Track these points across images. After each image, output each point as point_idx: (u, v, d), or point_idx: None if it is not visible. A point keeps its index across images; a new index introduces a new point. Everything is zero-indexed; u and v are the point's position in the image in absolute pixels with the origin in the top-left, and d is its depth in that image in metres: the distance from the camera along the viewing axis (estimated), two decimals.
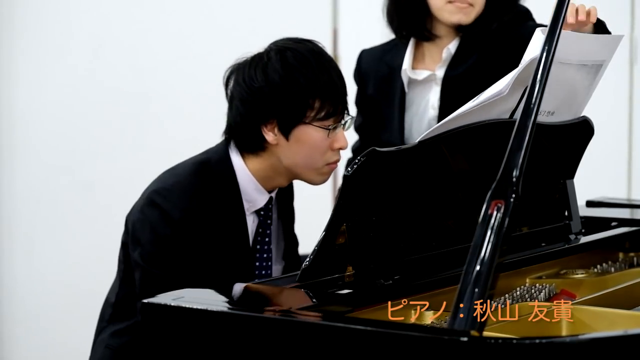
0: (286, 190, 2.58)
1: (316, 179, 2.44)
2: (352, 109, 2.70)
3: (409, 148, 2.15)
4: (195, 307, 1.92)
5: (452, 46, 3.03)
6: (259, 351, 1.85)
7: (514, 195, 1.78)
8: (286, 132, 2.37)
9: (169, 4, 4.48)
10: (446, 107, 2.95)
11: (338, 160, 2.43)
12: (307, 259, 2.11)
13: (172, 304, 1.94)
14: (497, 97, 2.19)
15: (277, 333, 1.84)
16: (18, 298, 4.46)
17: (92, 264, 4.33)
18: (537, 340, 1.67)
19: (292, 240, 2.61)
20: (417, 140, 2.17)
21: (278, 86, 2.35)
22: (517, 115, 1.91)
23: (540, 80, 1.94)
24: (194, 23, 4.44)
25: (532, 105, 1.90)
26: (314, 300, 2.02)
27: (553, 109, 2.37)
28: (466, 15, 2.96)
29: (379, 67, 3.15)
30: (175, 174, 2.43)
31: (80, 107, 4.41)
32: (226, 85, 2.43)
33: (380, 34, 4.48)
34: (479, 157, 2.27)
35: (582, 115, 2.47)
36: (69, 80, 4.40)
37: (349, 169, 2.07)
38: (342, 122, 2.40)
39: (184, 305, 1.94)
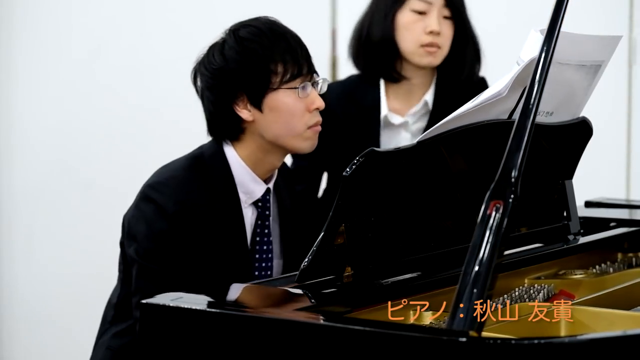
0: (287, 189, 2.58)
1: (303, 145, 2.44)
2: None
3: (407, 148, 2.15)
4: (194, 307, 1.92)
5: (429, 98, 3.16)
6: (258, 352, 1.85)
7: (512, 196, 1.78)
8: (258, 104, 2.39)
9: (168, 4, 4.48)
10: None
11: (319, 122, 2.44)
12: (306, 260, 2.11)
13: (171, 305, 1.94)
14: (496, 98, 2.19)
15: (276, 333, 1.84)
16: (18, 297, 4.46)
17: (91, 263, 4.33)
18: (536, 341, 1.67)
19: (293, 238, 2.59)
20: (415, 141, 2.17)
21: (237, 61, 2.38)
22: (516, 116, 1.91)
23: (539, 81, 1.94)
24: (193, 23, 4.44)
25: (530, 106, 1.90)
26: (313, 300, 2.02)
27: (552, 110, 2.37)
28: (435, 57, 3.11)
29: (347, 105, 3.17)
30: (170, 169, 2.43)
31: (79, 107, 4.41)
32: (194, 83, 2.46)
33: None
34: (477, 158, 2.27)
35: (580, 115, 2.47)
36: (68, 79, 4.39)
37: (348, 169, 2.07)
38: (311, 81, 2.42)
39: (182, 305, 1.93)
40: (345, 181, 2.07)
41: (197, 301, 1.96)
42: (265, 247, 2.48)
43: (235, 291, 2.14)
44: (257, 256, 2.47)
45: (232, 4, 4.46)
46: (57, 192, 4.42)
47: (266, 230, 2.48)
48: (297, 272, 2.11)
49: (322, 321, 1.83)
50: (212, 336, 1.90)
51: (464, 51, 3.15)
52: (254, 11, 4.44)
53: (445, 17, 3.12)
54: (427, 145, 2.16)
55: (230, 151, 2.44)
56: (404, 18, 3.12)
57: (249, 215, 2.46)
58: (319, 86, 2.44)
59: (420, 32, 3.09)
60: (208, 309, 1.92)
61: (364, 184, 2.09)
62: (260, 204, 2.47)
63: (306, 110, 2.41)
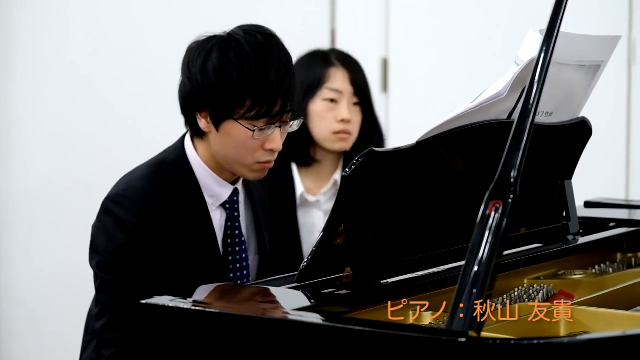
0: (260, 183, 2.55)
1: (248, 175, 2.39)
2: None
3: (407, 149, 2.15)
4: (193, 308, 1.92)
5: (337, 177, 3.32)
6: (257, 352, 1.85)
7: (512, 196, 1.78)
8: (216, 124, 2.34)
9: (166, 5, 4.48)
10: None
11: (270, 161, 2.37)
12: (306, 260, 2.11)
13: (170, 305, 1.94)
14: (496, 98, 2.19)
15: (275, 334, 1.84)
16: (16, 298, 4.46)
17: (89, 266, 4.32)
18: (536, 341, 1.67)
19: (267, 231, 2.56)
20: (415, 141, 2.17)
21: (210, 79, 2.31)
22: (516, 116, 1.91)
23: (539, 81, 1.94)
24: (191, 24, 4.43)
25: (530, 106, 1.90)
26: (312, 301, 2.02)
27: (551, 110, 2.37)
28: (347, 142, 3.29)
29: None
30: (130, 179, 2.39)
31: (77, 108, 4.41)
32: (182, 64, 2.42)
33: (378, 34, 4.50)
34: (477, 158, 2.27)
35: (580, 115, 2.47)
36: (66, 80, 4.39)
37: (347, 169, 2.07)
38: (278, 124, 2.33)
39: (181, 306, 1.93)
40: (345, 181, 2.07)
41: (195, 302, 1.96)
42: (238, 248, 2.45)
43: (235, 292, 2.14)
44: (230, 258, 2.43)
45: (229, 6, 4.46)
46: (56, 192, 4.42)
47: (237, 232, 2.45)
48: (297, 272, 2.11)
49: (321, 321, 1.83)
50: (211, 337, 1.90)
51: (372, 135, 3.35)
52: (252, 13, 4.47)
53: (355, 104, 3.31)
54: (427, 146, 2.16)
55: (193, 155, 2.40)
56: (316, 107, 3.27)
57: (218, 218, 2.42)
58: (290, 126, 2.37)
59: (332, 121, 3.26)
60: (207, 310, 1.92)
61: (364, 184, 2.09)
62: (228, 205, 2.43)
63: (260, 147, 2.33)
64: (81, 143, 4.41)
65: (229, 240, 2.44)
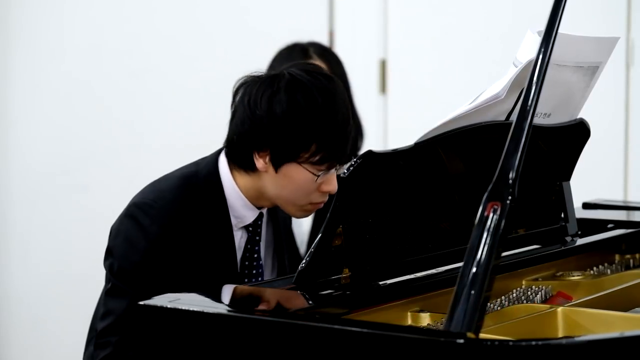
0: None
1: (297, 214, 2.38)
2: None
3: (405, 150, 2.15)
4: (191, 309, 1.92)
5: None
6: (256, 353, 1.85)
7: (510, 197, 1.78)
8: (277, 165, 2.30)
9: (165, 7, 4.48)
10: None
11: (323, 202, 2.35)
12: (304, 261, 2.11)
13: (169, 306, 1.94)
14: (494, 100, 2.20)
15: (273, 335, 1.84)
16: (14, 299, 4.46)
17: (87, 265, 4.31)
18: (534, 342, 1.67)
19: (285, 260, 2.54)
20: (413, 142, 2.17)
21: (278, 121, 2.27)
22: (514, 117, 1.91)
23: (537, 82, 1.94)
24: (189, 27, 4.44)
25: (528, 107, 1.90)
26: (311, 302, 2.02)
27: (549, 111, 2.37)
28: None
29: None
30: (160, 189, 2.37)
31: (75, 110, 4.41)
32: (234, 95, 2.36)
33: (376, 35, 4.50)
34: (475, 159, 2.27)
35: (578, 117, 2.47)
36: (64, 83, 4.40)
37: (345, 171, 2.07)
38: (337, 167, 2.32)
39: (180, 307, 1.93)
40: (343, 183, 2.07)
41: (195, 302, 1.96)
42: (255, 271, 2.43)
43: (233, 293, 2.14)
44: (246, 280, 2.42)
45: (228, 8, 4.46)
46: (53, 194, 4.42)
47: (255, 255, 2.43)
48: (295, 274, 2.11)
49: (319, 323, 1.83)
50: (210, 338, 1.90)
51: None
52: (250, 14, 4.47)
53: None
54: (425, 147, 2.16)
55: (226, 175, 2.37)
56: None
57: (238, 238, 2.40)
58: (340, 169, 2.32)
59: None
60: (205, 311, 1.92)
61: (362, 185, 2.09)
62: (251, 228, 2.42)
63: (317, 190, 2.31)
64: (79, 144, 4.42)
65: (247, 262, 2.42)
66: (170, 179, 2.40)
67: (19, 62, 4.40)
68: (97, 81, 4.41)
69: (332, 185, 2.31)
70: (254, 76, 2.35)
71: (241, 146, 2.33)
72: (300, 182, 2.30)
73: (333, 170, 2.31)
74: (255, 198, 2.38)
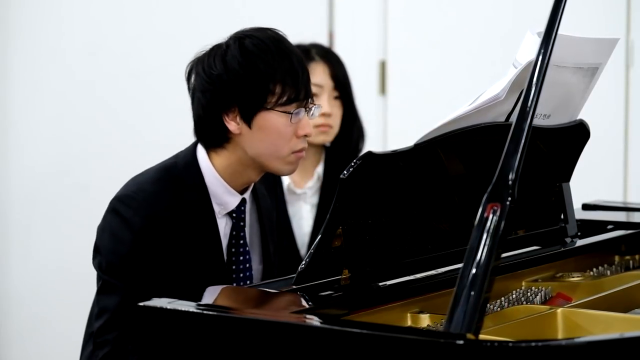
0: (270, 194, 2.57)
1: (283, 169, 2.40)
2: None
3: (405, 151, 2.15)
4: (191, 310, 1.92)
5: (320, 170, 3.42)
6: (255, 354, 1.85)
7: (510, 199, 1.79)
8: (248, 120, 2.34)
9: (164, 7, 4.48)
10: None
11: (304, 148, 2.39)
12: (303, 262, 2.11)
13: (168, 307, 1.94)
14: (493, 101, 2.20)
15: (273, 336, 1.84)
16: (14, 300, 4.46)
17: (88, 265, 4.30)
18: (533, 343, 1.67)
19: (272, 243, 2.56)
20: (413, 143, 2.17)
21: (237, 73, 2.33)
22: (513, 118, 1.91)
23: (536, 84, 1.94)
24: (189, 27, 4.44)
25: (528, 109, 1.90)
26: (310, 303, 2.02)
27: (549, 112, 2.37)
28: (327, 135, 3.39)
29: None
30: (139, 181, 2.39)
31: (75, 110, 4.41)
32: (188, 79, 2.41)
33: (376, 37, 4.50)
34: (475, 160, 2.27)
35: (578, 118, 2.47)
36: (64, 82, 4.39)
37: (345, 172, 2.07)
38: (305, 107, 2.37)
39: (180, 308, 1.93)
40: (343, 184, 2.07)
41: (195, 304, 1.96)
42: (242, 257, 2.44)
43: (233, 294, 2.14)
44: (234, 267, 2.43)
45: (227, 8, 4.47)
46: (54, 193, 4.42)
47: (241, 241, 2.44)
48: (295, 275, 2.12)
49: (319, 324, 1.83)
50: (209, 339, 1.90)
51: (352, 129, 3.44)
52: (250, 15, 4.47)
53: (335, 98, 3.39)
54: (425, 148, 2.16)
55: (205, 163, 2.39)
56: None
57: (223, 226, 2.41)
58: (312, 112, 2.39)
59: None
60: (205, 312, 1.92)
61: (362, 186, 2.10)
62: (234, 214, 2.43)
63: (294, 135, 2.36)
64: (79, 144, 4.42)
65: (233, 249, 2.44)
66: (149, 171, 2.42)
67: (19, 62, 4.40)
68: (97, 81, 4.41)
69: (308, 127, 2.38)
70: (199, 54, 2.42)
71: (209, 116, 2.37)
72: (276, 129, 2.34)
73: (304, 114, 2.37)
74: (237, 174, 2.40)
